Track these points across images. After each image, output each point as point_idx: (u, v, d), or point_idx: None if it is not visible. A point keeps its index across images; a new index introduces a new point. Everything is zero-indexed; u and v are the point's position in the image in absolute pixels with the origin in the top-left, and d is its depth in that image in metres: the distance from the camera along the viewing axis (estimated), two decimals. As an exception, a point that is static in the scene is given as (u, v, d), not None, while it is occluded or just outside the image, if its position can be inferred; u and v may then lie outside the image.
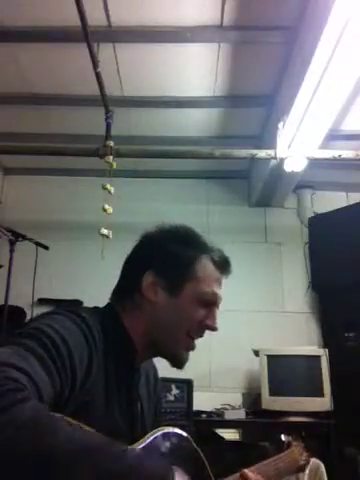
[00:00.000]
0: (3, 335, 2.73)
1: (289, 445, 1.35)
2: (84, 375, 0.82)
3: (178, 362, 1.02)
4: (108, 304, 1.06)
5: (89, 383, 0.83)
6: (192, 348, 1.02)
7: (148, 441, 0.84)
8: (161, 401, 1.20)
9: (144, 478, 0.65)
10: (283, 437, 1.37)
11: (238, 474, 1.00)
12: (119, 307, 1.03)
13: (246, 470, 1.01)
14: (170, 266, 1.00)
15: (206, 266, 1.02)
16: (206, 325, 1.01)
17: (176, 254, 1.01)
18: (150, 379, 1.13)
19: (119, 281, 1.08)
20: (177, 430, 0.92)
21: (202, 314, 1.01)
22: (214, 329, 1.02)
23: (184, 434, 0.93)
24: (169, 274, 1.00)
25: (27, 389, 0.66)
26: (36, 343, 0.75)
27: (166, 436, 0.88)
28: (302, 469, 1.35)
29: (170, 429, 0.90)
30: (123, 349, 0.98)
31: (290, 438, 1.37)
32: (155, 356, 1.08)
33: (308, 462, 1.36)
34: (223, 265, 1.06)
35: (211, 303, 1.02)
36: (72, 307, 0.95)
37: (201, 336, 1.03)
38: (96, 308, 1.03)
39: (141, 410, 1.02)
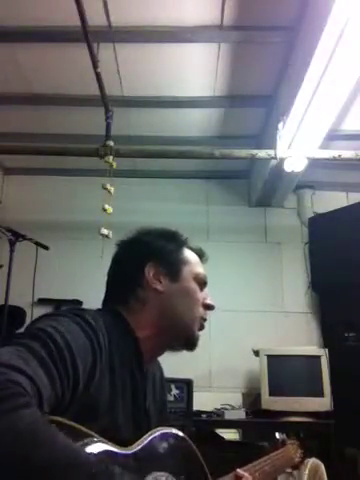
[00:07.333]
0: (3, 335, 2.73)
1: (284, 443, 1.36)
2: (87, 379, 0.82)
3: (193, 343, 1.07)
4: (109, 306, 1.05)
5: (92, 387, 0.83)
6: (203, 327, 1.10)
7: (146, 442, 0.84)
8: (167, 401, 1.21)
9: None
10: (277, 435, 1.38)
11: (232, 474, 1.00)
12: (122, 308, 1.03)
13: (240, 470, 1.01)
14: (165, 256, 1.08)
15: (190, 253, 1.14)
16: (207, 304, 1.11)
17: (166, 246, 1.10)
18: (156, 380, 1.13)
19: (113, 285, 1.10)
20: (174, 430, 0.92)
21: (201, 294, 1.10)
22: (213, 307, 1.11)
23: (181, 434, 0.93)
24: (167, 262, 1.08)
25: (28, 393, 0.65)
26: (39, 345, 0.75)
27: (164, 437, 0.88)
28: (297, 466, 1.36)
29: (167, 430, 0.90)
30: (130, 351, 0.98)
31: (284, 436, 1.38)
32: (163, 352, 1.09)
33: (303, 459, 1.37)
34: (200, 252, 1.17)
35: (203, 283, 1.12)
36: (76, 308, 0.95)
37: (205, 319, 1.10)
38: (99, 310, 1.03)
39: (147, 412, 1.02)
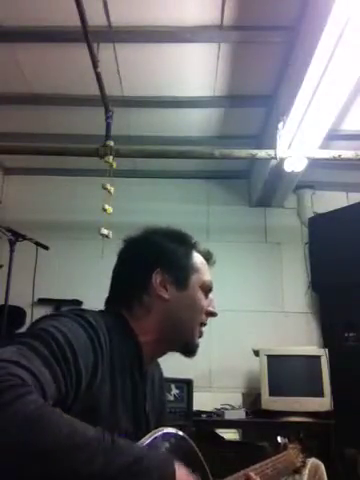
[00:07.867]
0: (3, 335, 2.73)
1: (286, 447, 1.36)
2: (89, 379, 0.82)
3: (193, 351, 1.07)
4: (111, 308, 1.05)
5: (94, 387, 0.83)
6: (202, 334, 1.09)
7: (147, 441, 0.83)
8: (166, 402, 1.21)
9: (149, 468, 0.68)
10: (279, 439, 1.37)
11: (241, 474, 1.00)
12: (125, 312, 1.03)
13: (249, 471, 1.02)
14: (174, 263, 1.06)
15: (199, 258, 1.11)
16: (210, 312, 1.10)
17: (176, 251, 1.07)
18: (155, 380, 1.13)
19: (118, 285, 1.09)
20: (176, 430, 0.92)
21: (205, 302, 1.09)
22: (216, 315, 1.11)
23: (183, 434, 0.93)
24: (176, 270, 1.05)
25: (29, 385, 0.66)
26: (41, 344, 0.75)
27: (165, 437, 0.88)
28: (299, 471, 1.36)
29: (169, 429, 0.90)
30: (130, 353, 0.98)
31: (286, 440, 1.37)
32: (163, 354, 1.09)
33: (305, 464, 1.37)
34: (208, 255, 1.15)
35: (209, 290, 1.11)
36: (77, 309, 0.95)
37: (206, 324, 1.10)
38: (101, 312, 1.02)
39: (147, 412, 1.02)
